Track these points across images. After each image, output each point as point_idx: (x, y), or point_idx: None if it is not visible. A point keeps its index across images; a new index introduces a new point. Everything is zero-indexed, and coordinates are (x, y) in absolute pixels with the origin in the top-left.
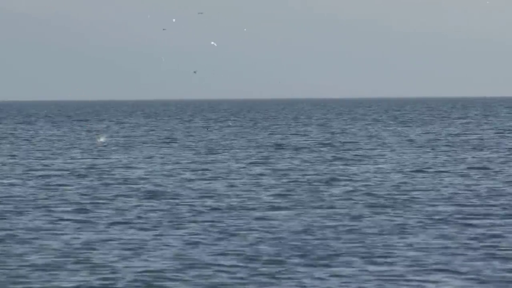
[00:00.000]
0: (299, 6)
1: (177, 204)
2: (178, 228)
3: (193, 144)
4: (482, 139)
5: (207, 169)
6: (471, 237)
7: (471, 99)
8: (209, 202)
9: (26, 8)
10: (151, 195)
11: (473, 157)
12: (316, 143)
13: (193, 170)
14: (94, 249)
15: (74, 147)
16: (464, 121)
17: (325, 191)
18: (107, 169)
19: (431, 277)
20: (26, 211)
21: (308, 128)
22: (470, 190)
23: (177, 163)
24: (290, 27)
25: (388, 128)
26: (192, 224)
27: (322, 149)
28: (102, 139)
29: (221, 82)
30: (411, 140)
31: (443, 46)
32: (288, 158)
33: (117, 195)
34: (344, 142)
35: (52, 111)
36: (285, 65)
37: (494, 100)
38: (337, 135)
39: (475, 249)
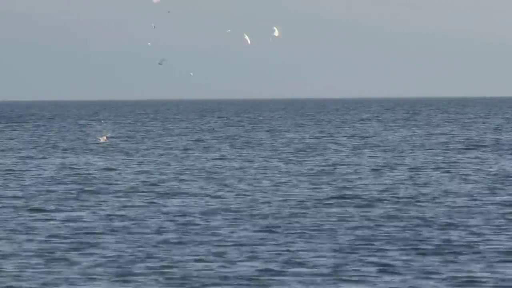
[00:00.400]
0: (299, 7)
1: (173, 204)
2: (170, 228)
3: (192, 144)
4: (480, 139)
5: (202, 169)
6: (466, 238)
7: (471, 99)
8: (202, 202)
9: (26, 8)
10: (146, 195)
11: (470, 157)
12: (312, 143)
13: (189, 170)
14: (84, 249)
15: (73, 147)
16: (463, 121)
17: (321, 191)
18: (102, 169)
19: (424, 280)
20: (22, 211)
21: (305, 128)
22: (466, 190)
23: (174, 163)
24: (290, 28)
25: (387, 129)
26: (182, 225)
27: (319, 148)
28: (101, 139)
29: (221, 82)
30: (409, 140)
31: (443, 46)
32: (286, 158)
33: (111, 196)
34: (341, 143)
35: (52, 111)
36: (285, 65)
37: (494, 100)
38: (336, 135)
39: (467, 250)
